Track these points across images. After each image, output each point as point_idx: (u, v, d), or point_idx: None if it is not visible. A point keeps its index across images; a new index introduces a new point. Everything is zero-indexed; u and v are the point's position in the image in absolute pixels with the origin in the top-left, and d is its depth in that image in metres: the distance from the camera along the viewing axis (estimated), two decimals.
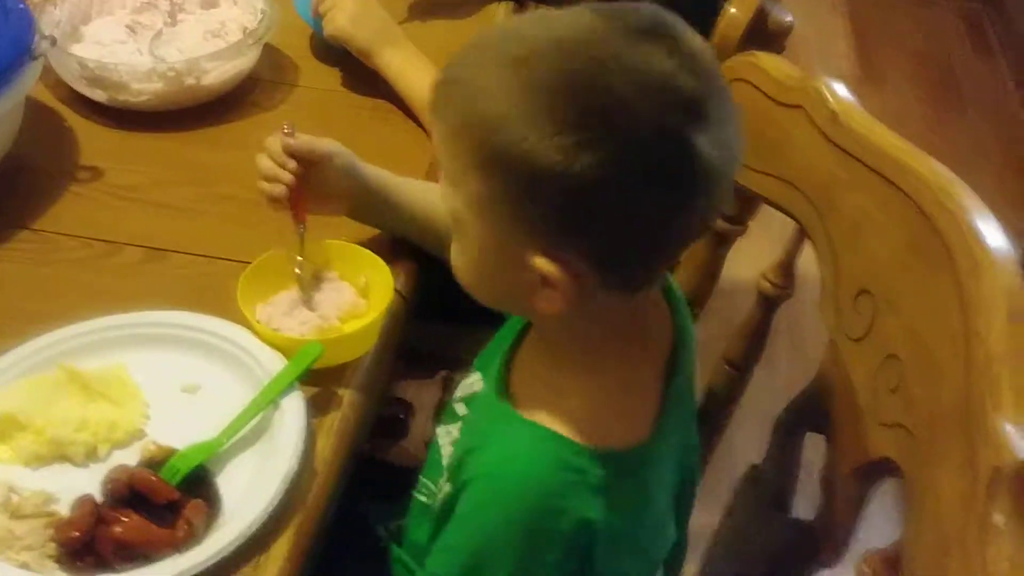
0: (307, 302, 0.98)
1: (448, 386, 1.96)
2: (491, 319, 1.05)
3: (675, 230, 0.70)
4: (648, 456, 0.77)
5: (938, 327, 0.69)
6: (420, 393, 2.01)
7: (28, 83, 1.08)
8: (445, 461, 0.85)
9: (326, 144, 0.99)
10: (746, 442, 0.82)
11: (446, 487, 0.80)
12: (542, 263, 0.69)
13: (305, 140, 0.97)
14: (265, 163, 0.97)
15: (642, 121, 0.65)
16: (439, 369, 1.80)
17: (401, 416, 1.81)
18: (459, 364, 1.69)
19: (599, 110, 0.65)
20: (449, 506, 0.77)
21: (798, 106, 0.88)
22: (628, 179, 0.66)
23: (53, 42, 1.09)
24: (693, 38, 0.69)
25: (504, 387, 0.79)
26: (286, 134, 0.97)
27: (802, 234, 0.90)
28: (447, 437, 0.88)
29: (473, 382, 0.92)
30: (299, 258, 0.98)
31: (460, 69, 0.70)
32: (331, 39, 1.27)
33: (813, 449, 0.91)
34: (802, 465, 0.92)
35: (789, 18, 1.08)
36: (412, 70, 1.22)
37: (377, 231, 1.06)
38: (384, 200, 1.03)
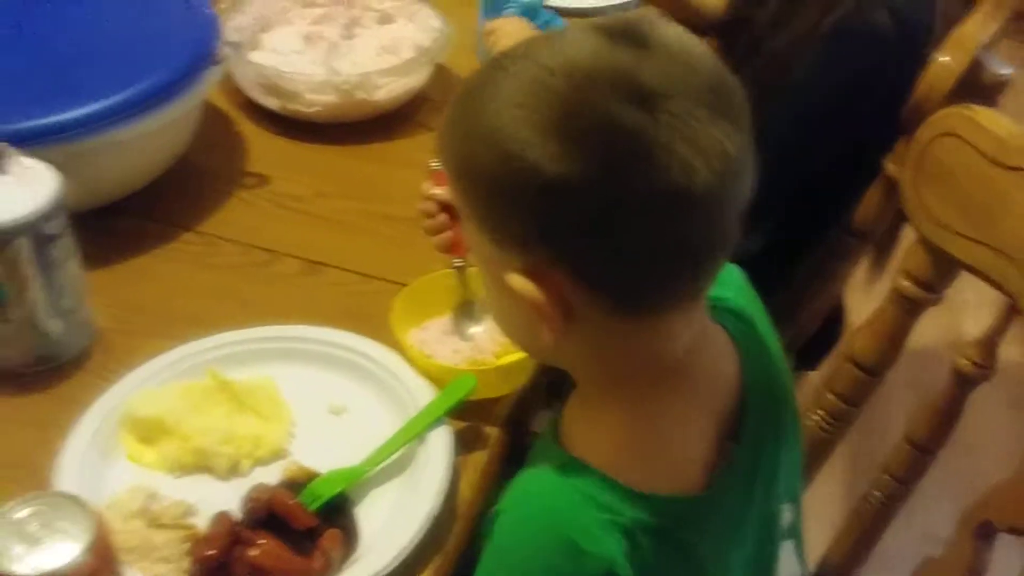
0: (462, 331, 0.95)
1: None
2: None
3: (663, 241, 0.61)
4: (695, 510, 0.69)
5: None
6: None
7: (208, 87, 1.08)
8: None
9: None
10: (926, 527, 0.73)
11: None
12: (518, 282, 0.62)
13: (443, 193, 0.92)
14: (426, 206, 0.94)
15: (582, 121, 0.58)
16: None
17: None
18: None
19: (544, 113, 0.59)
20: (485, 536, 0.72)
21: (1022, 169, 0.79)
22: (583, 183, 0.58)
23: (236, 48, 1.09)
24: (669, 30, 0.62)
25: (556, 421, 0.74)
26: (434, 171, 0.93)
27: (1012, 311, 0.81)
28: None
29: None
30: (458, 284, 0.95)
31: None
32: None
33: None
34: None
35: (1007, 71, 0.99)
36: None
37: None
38: None
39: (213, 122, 1.22)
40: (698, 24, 1.47)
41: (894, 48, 1.06)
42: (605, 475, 0.66)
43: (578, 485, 0.66)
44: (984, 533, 0.82)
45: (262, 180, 1.16)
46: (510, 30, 1.25)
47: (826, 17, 1.12)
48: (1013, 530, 0.79)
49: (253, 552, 0.74)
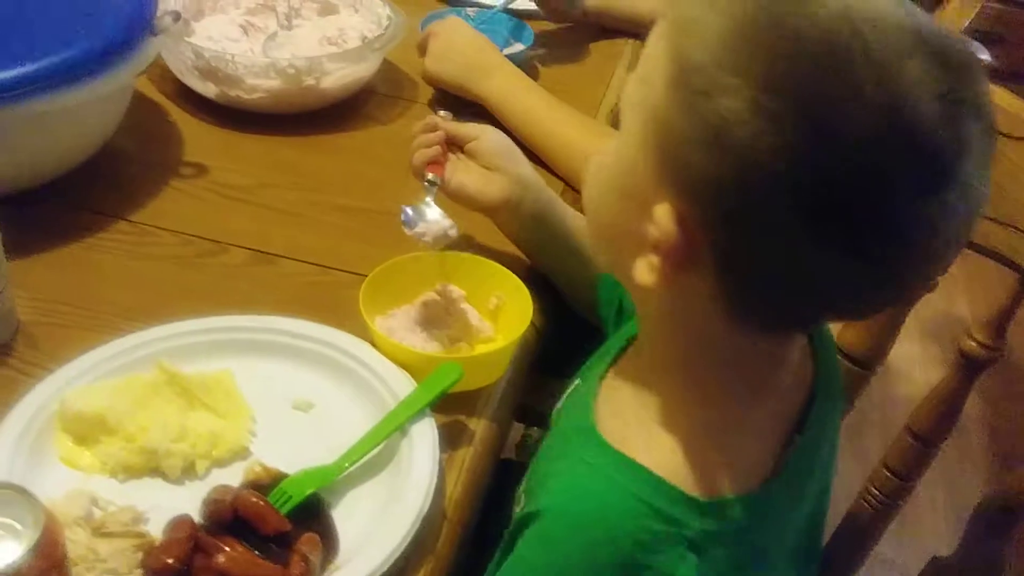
0: (430, 319, 0.87)
1: (525, 446, 1.85)
2: None
3: (833, 280, 0.56)
4: (762, 506, 0.64)
5: None
6: None
7: (144, 61, 0.98)
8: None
9: (478, 126, 0.94)
10: (933, 526, 0.69)
11: (518, 507, 0.69)
12: (664, 212, 0.56)
13: (454, 123, 0.93)
14: (419, 138, 0.92)
15: (857, 128, 0.51)
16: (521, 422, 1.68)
17: None
18: (544, 422, 1.58)
19: (821, 88, 0.52)
20: (513, 535, 0.65)
21: None
22: (808, 188, 0.52)
23: (176, 18, 1.00)
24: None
25: (587, 403, 0.68)
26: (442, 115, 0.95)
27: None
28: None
29: (575, 389, 0.81)
30: (424, 268, 0.88)
31: None
32: (427, 82, 1.22)
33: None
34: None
35: (985, 56, 0.97)
36: (511, 96, 1.14)
37: (516, 255, 0.95)
38: (548, 211, 0.92)
39: (144, 110, 1.13)
40: (634, 30, 1.45)
41: None
42: (670, 482, 0.60)
43: (639, 491, 0.60)
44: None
45: (200, 170, 1.07)
46: (447, 32, 1.20)
47: None
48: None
49: (220, 559, 0.65)
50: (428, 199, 0.91)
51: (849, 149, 0.52)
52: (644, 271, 0.58)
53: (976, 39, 3.25)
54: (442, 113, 0.96)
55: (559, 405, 0.79)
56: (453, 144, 0.92)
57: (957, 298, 1.92)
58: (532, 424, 1.70)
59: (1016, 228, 0.77)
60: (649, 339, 0.68)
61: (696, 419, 0.64)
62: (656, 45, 0.58)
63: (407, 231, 0.90)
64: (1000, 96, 0.80)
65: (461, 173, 0.91)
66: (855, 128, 0.51)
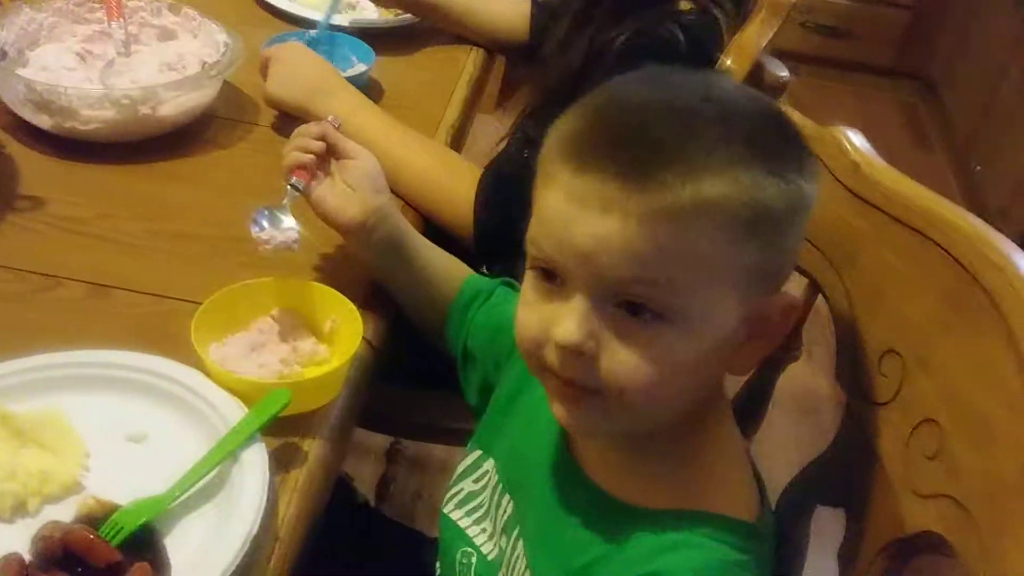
0: (266, 344, 0.90)
1: (394, 459, 1.87)
2: (449, 383, 0.99)
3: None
4: (768, 529, 0.73)
5: (988, 389, 0.64)
6: (360, 466, 1.90)
7: None
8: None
9: (362, 149, 0.97)
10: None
11: None
12: (783, 298, 0.69)
13: (339, 135, 0.97)
14: (297, 139, 0.96)
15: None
16: (382, 432, 1.71)
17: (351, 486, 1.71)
18: (408, 431, 1.61)
19: (787, 135, 0.69)
20: None
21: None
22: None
23: (2, 56, 0.99)
24: None
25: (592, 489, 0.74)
26: (331, 123, 0.98)
27: (814, 290, 0.84)
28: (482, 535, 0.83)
29: (476, 459, 0.86)
30: (259, 295, 0.91)
31: (665, 156, 0.63)
32: (269, 105, 1.24)
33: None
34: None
35: (785, 73, 1.05)
36: (351, 118, 1.17)
37: (351, 277, 0.98)
38: (399, 247, 0.96)
39: None
40: (494, 45, 1.50)
41: (685, 58, 1.10)
42: (735, 519, 0.69)
43: (722, 539, 0.68)
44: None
45: (37, 203, 1.07)
46: (287, 56, 1.22)
47: (619, 36, 1.14)
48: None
49: None
50: (286, 201, 0.94)
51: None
52: (747, 360, 0.71)
53: (827, 35, 3.40)
54: (331, 118, 0.99)
55: (467, 479, 0.86)
56: (331, 154, 0.96)
57: None
58: (397, 433, 1.74)
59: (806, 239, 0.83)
60: (665, 428, 0.71)
61: (738, 452, 0.74)
62: (689, 235, 0.62)
63: (253, 232, 0.92)
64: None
65: (325, 188, 0.94)
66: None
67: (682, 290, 0.63)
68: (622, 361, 0.64)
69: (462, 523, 0.85)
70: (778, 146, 0.66)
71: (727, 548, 0.67)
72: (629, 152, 0.63)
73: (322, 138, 0.95)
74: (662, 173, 0.62)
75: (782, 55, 1.17)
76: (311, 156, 0.94)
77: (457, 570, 0.83)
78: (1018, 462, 0.58)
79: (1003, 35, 2.96)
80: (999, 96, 2.89)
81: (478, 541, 0.83)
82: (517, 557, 0.77)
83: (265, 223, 0.94)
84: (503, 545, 0.80)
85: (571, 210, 0.64)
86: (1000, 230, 0.68)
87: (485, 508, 0.83)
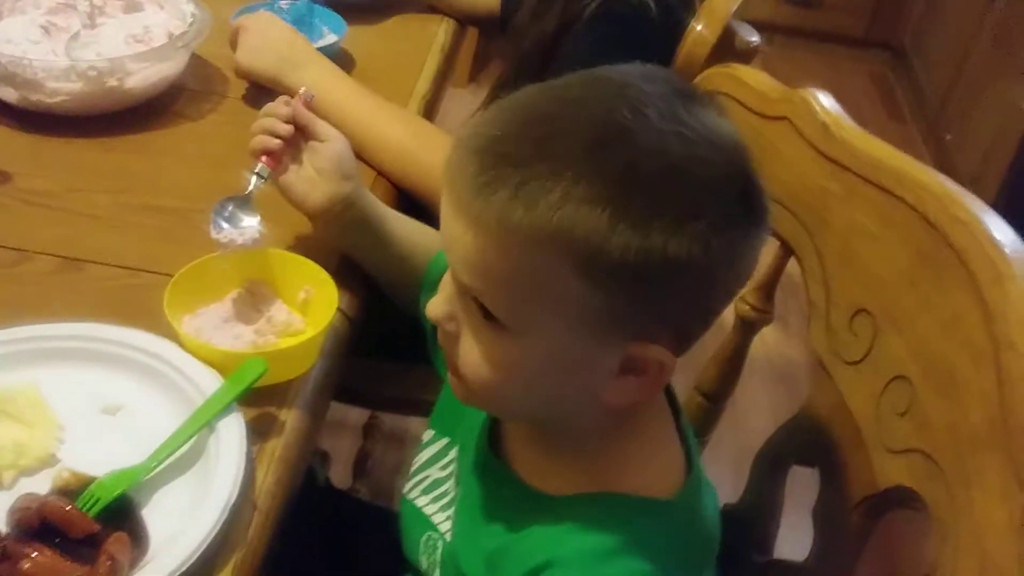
0: (240, 315, 0.89)
1: (371, 434, 1.87)
2: (424, 356, 0.99)
3: (748, 274, 0.66)
4: (696, 490, 0.73)
5: (955, 342, 0.64)
6: (338, 441, 1.90)
7: None
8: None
9: (332, 130, 0.94)
10: (719, 479, 0.76)
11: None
12: (644, 349, 0.64)
13: (309, 115, 0.94)
14: (264, 120, 0.93)
15: (730, 187, 0.62)
16: (359, 406, 1.71)
17: (312, 467, 1.71)
18: (384, 404, 1.61)
19: (702, 185, 0.61)
20: None
21: (783, 118, 0.84)
22: (731, 242, 0.62)
23: None
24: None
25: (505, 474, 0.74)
26: (302, 97, 0.94)
27: (786, 253, 0.85)
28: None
29: (443, 447, 0.86)
30: (232, 266, 0.90)
31: (524, 155, 0.61)
32: (239, 76, 1.23)
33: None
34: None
35: (755, 38, 1.05)
36: (323, 89, 1.15)
37: (323, 248, 0.98)
38: (369, 225, 0.95)
39: None
40: (466, 18, 1.49)
41: (656, 23, 1.10)
42: (647, 499, 0.69)
43: (627, 518, 0.68)
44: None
45: (4, 177, 1.06)
46: (256, 26, 1.21)
47: (591, 3, 1.14)
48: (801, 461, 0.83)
49: (26, 565, 0.66)
50: (251, 191, 0.92)
51: (733, 200, 0.63)
52: (618, 395, 0.66)
53: (796, 3, 3.40)
54: (303, 90, 0.95)
55: (433, 463, 0.85)
56: (300, 135, 0.93)
57: None
58: (375, 407, 1.74)
59: (775, 200, 0.84)
60: (576, 424, 0.71)
61: (652, 439, 0.72)
62: (522, 254, 0.61)
63: (212, 233, 0.91)
64: (752, 77, 0.87)
65: (291, 174, 0.93)
66: (729, 189, 0.63)
67: (514, 304, 0.63)
68: (467, 352, 0.67)
69: (427, 510, 0.84)
70: (661, 198, 0.60)
71: (630, 527, 0.67)
72: (486, 158, 0.61)
73: (291, 119, 0.93)
74: (501, 187, 0.60)
75: (754, 25, 1.17)
76: (278, 141, 0.92)
77: (422, 551, 0.84)
78: (983, 413, 0.59)
79: (972, 4, 2.98)
80: (968, 65, 2.91)
81: (443, 528, 0.83)
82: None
83: (224, 224, 0.91)
84: None
85: (446, 201, 0.65)
86: None
87: (451, 496, 0.84)
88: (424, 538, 0.84)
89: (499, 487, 0.75)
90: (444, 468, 0.85)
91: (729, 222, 0.62)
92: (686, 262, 0.60)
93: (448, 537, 0.81)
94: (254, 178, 0.93)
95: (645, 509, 0.69)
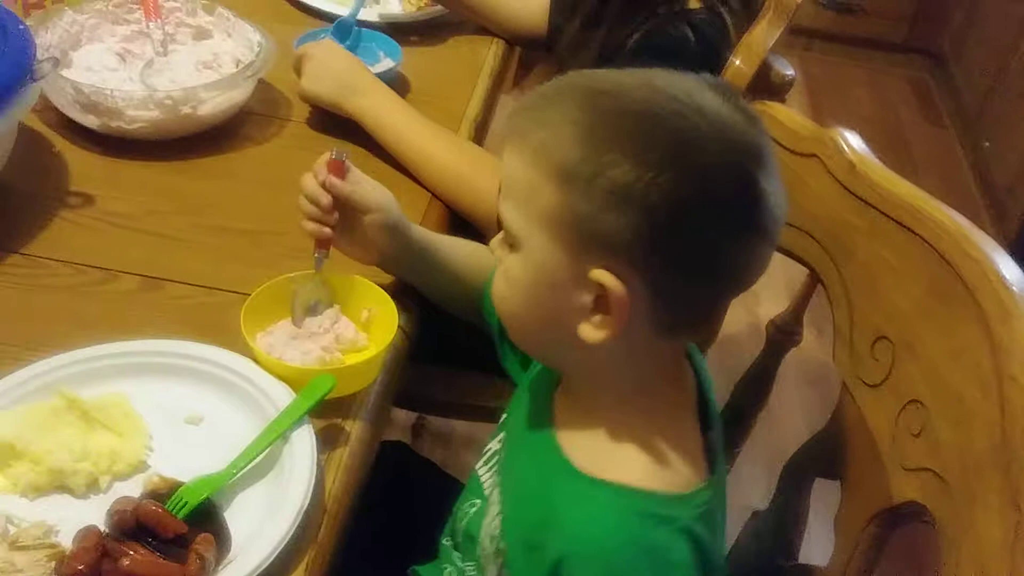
0: (308, 333, 0.97)
1: (419, 433, 1.95)
2: (479, 364, 1.05)
3: (734, 271, 0.72)
4: (715, 492, 0.76)
5: (965, 372, 0.70)
6: (386, 438, 1.98)
7: (27, 105, 1.05)
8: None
9: (370, 197, 0.98)
10: (749, 487, 0.82)
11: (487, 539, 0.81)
12: (603, 275, 0.69)
13: (345, 188, 0.96)
14: (307, 207, 0.97)
15: (711, 153, 0.68)
16: (409, 408, 1.78)
17: None
18: (434, 407, 1.69)
19: (675, 136, 0.68)
20: None
21: (813, 155, 0.90)
22: (700, 205, 0.68)
23: (55, 64, 1.07)
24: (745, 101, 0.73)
25: (551, 443, 0.79)
26: (334, 161, 0.97)
27: (814, 281, 0.91)
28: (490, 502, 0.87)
29: (502, 423, 0.92)
30: (303, 287, 0.98)
31: (540, 98, 0.73)
32: (303, 100, 1.31)
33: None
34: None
35: (791, 72, 1.11)
36: (382, 115, 1.24)
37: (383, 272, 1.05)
38: (424, 261, 1.02)
39: (29, 142, 1.19)
40: (513, 38, 1.56)
41: (696, 55, 1.16)
42: (645, 490, 0.72)
43: (633, 506, 0.71)
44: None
45: (88, 200, 1.14)
46: (320, 54, 1.29)
47: (632, 34, 1.21)
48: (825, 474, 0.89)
49: (125, 562, 0.74)
50: (317, 270, 0.99)
51: (711, 164, 0.68)
52: (591, 331, 0.72)
53: (836, 9, 3.42)
54: (334, 152, 0.97)
55: (496, 448, 0.90)
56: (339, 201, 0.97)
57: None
58: (423, 410, 1.82)
59: (801, 230, 0.90)
60: (590, 382, 0.78)
61: (654, 430, 0.75)
62: (523, 169, 0.71)
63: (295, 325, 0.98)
64: (784, 115, 0.93)
65: (344, 243, 0.99)
66: (708, 153, 0.68)
67: (517, 216, 0.73)
68: (497, 278, 0.77)
69: (483, 478, 0.91)
70: (630, 134, 0.68)
71: (632, 518, 0.71)
72: (529, 99, 0.74)
73: (333, 196, 0.96)
74: (526, 118, 0.73)
75: (795, 31, 1.22)
76: (328, 231, 0.97)
77: (458, 516, 0.91)
78: (988, 439, 0.65)
79: (1012, 12, 2.99)
80: (1008, 73, 2.93)
81: (487, 487, 0.89)
82: (493, 503, 0.85)
83: (306, 315, 0.98)
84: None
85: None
86: (1007, 207, 0.74)
87: (497, 459, 0.90)
88: (467, 504, 0.90)
89: (546, 457, 0.79)
90: (501, 441, 0.92)
91: (708, 197, 0.68)
92: (639, 196, 0.66)
93: (488, 496, 0.87)
94: (316, 258, 0.99)
95: (659, 505, 0.72)
